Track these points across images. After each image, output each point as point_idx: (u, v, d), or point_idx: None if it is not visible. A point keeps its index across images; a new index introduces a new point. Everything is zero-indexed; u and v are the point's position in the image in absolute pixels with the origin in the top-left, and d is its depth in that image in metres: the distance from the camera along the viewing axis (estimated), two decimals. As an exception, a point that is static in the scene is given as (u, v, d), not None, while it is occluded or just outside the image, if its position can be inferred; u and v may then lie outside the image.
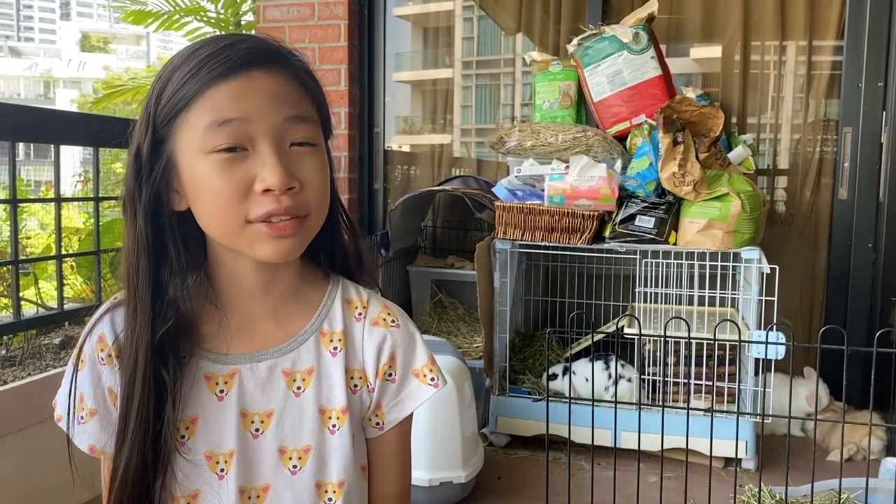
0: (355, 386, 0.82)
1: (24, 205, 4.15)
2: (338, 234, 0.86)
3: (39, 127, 2.13)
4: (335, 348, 0.82)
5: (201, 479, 0.77)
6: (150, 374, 0.74)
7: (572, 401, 1.77)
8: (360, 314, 0.84)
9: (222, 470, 0.77)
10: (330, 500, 0.79)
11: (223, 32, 5.34)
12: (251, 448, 0.78)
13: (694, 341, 2.29)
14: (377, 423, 0.84)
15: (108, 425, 0.78)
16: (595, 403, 1.74)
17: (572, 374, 2.47)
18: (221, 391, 0.78)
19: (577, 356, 2.61)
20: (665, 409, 1.79)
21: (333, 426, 0.80)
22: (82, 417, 0.78)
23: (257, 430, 0.79)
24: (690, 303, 2.43)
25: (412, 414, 0.85)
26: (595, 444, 1.78)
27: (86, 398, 0.78)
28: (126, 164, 0.77)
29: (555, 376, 2.51)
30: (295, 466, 0.79)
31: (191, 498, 0.77)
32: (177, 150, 0.74)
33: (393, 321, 0.84)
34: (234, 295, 0.80)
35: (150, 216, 0.75)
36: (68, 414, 0.78)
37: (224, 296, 0.80)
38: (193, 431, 0.78)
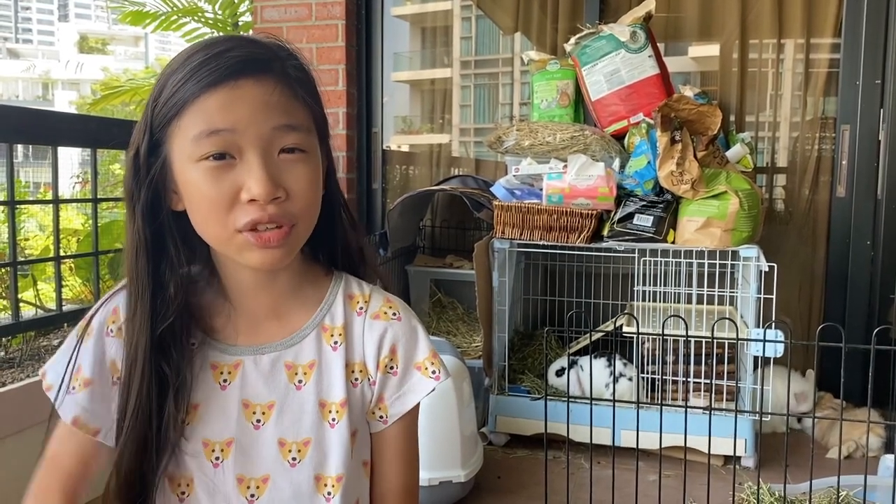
0: (356, 380, 0.83)
1: (23, 206, 4.15)
2: (338, 231, 0.87)
3: (37, 128, 2.13)
4: (335, 342, 0.83)
5: (195, 465, 0.78)
6: (149, 370, 0.76)
7: (571, 399, 1.77)
8: (361, 308, 0.85)
9: (217, 458, 0.78)
10: (329, 493, 0.80)
11: (221, 34, 5.33)
12: (252, 438, 0.79)
13: (692, 339, 2.29)
14: (380, 417, 0.85)
15: (101, 400, 0.78)
16: (594, 402, 1.75)
17: (580, 370, 2.47)
18: (225, 380, 0.80)
19: (577, 355, 2.62)
20: (664, 407, 1.79)
21: (333, 420, 0.81)
22: (74, 388, 0.78)
23: (258, 420, 0.80)
24: (689, 301, 2.43)
25: (417, 409, 0.86)
26: (594, 442, 1.78)
27: (83, 369, 0.78)
28: (126, 164, 0.79)
29: (563, 370, 2.51)
30: (294, 459, 0.79)
31: (185, 485, 0.78)
32: (171, 153, 0.75)
33: (394, 314, 0.85)
34: (236, 293, 0.82)
35: (148, 216, 0.77)
36: (60, 385, 0.78)
37: (228, 293, 0.82)
38: (194, 418, 0.79)
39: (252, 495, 0.78)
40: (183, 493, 0.78)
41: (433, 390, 0.85)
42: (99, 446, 0.79)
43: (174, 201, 0.78)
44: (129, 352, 0.77)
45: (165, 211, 0.78)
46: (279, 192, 0.73)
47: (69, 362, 0.78)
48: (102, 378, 0.79)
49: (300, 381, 0.81)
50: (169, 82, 0.74)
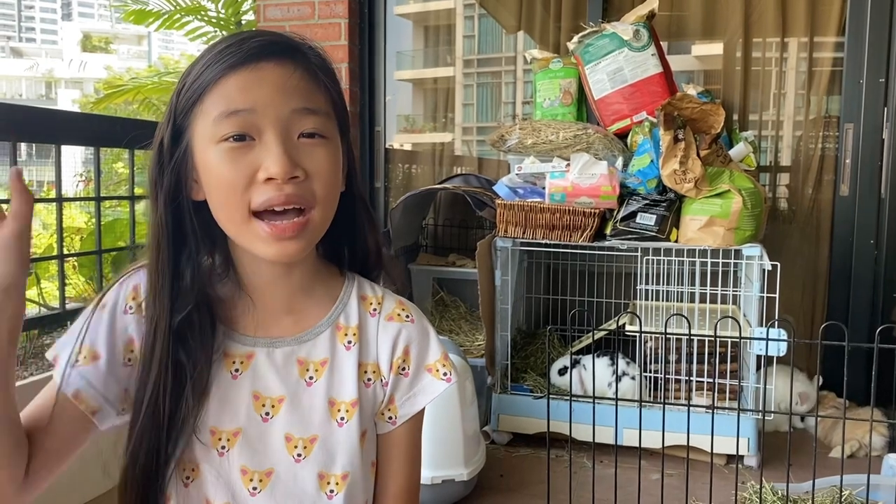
0: (368, 380, 0.83)
1: (26, 205, 4.14)
2: (358, 231, 0.87)
3: (41, 127, 2.13)
4: (349, 342, 0.83)
5: (202, 451, 0.78)
6: (168, 360, 0.75)
7: (573, 398, 1.77)
8: (375, 310, 0.85)
9: (223, 447, 0.78)
10: (332, 491, 0.80)
11: (225, 32, 5.34)
12: (260, 431, 0.79)
13: (695, 338, 2.29)
14: (390, 418, 0.85)
15: (107, 376, 0.76)
16: (596, 401, 1.75)
17: (582, 369, 2.47)
18: (236, 370, 0.80)
19: (580, 353, 2.62)
20: (666, 406, 1.79)
21: (342, 419, 0.81)
22: (77, 361, 0.76)
23: (268, 413, 0.79)
24: (692, 300, 2.43)
25: (423, 410, 0.86)
26: (597, 441, 1.77)
27: (92, 343, 0.77)
28: (151, 154, 0.79)
29: (565, 370, 2.51)
30: (299, 455, 0.79)
31: (191, 471, 0.78)
32: (193, 139, 0.76)
33: (407, 316, 0.86)
34: (252, 286, 0.82)
35: (169, 205, 0.77)
36: (68, 361, 0.76)
37: (244, 286, 0.82)
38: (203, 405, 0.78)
39: (255, 488, 0.78)
40: (188, 477, 0.78)
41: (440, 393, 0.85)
42: (85, 425, 0.76)
43: (195, 190, 0.78)
44: (148, 340, 0.76)
45: (185, 199, 0.78)
46: (297, 172, 0.73)
47: (77, 336, 0.77)
48: (113, 355, 0.77)
49: (311, 378, 0.81)
50: (193, 71, 0.75)
